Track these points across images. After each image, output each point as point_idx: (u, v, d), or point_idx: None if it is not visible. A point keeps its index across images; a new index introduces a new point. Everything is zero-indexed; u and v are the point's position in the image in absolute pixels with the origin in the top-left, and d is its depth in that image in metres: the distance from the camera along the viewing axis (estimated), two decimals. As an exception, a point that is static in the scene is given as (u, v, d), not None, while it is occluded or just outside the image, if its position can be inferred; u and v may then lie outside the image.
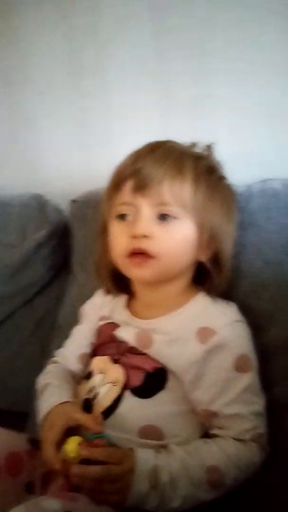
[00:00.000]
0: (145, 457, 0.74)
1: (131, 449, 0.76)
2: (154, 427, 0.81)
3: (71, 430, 0.81)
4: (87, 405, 0.86)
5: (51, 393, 0.89)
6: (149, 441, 0.80)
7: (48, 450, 0.78)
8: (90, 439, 0.78)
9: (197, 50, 1.16)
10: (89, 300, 1.03)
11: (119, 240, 0.87)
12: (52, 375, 0.96)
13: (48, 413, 0.85)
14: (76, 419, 0.81)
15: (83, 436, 0.79)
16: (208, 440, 0.80)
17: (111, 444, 0.78)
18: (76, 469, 0.73)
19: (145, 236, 0.83)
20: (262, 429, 0.80)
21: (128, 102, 1.28)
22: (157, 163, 0.84)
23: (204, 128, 1.16)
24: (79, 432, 0.80)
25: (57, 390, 0.90)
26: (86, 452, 0.75)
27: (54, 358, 1.01)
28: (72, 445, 0.77)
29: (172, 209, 0.84)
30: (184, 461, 0.75)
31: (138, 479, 0.72)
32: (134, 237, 0.83)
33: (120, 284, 0.95)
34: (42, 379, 0.95)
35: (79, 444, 0.76)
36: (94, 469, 0.72)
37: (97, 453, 0.75)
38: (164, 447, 0.79)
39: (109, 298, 0.99)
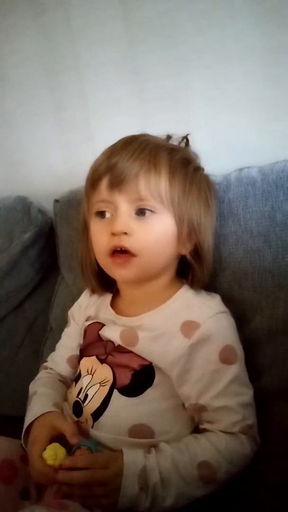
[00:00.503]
0: (133, 459, 0.74)
1: (119, 452, 0.75)
2: (144, 425, 0.81)
3: (56, 440, 0.79)
4: (78, 408, 0.86)
5: (35, 404, 0.89)
6: (140, 440, 0.80)
7: (36, 464, 0.77)
8: (72, 450, 0.77)
9: (170, 40, 1.14)
10: (76, 302, 1.03)
11: (100, 238, 0.86)
12: (41, 382, 0.96)
13: (31, 425, 0.84)
14: (57, 428, 0.80)
15: (68, 446, 0.78)
16: (198, 435, 0.80)
17: (92, 452, 0.77)
18: (61, 476, 0.73)
19: (124, 233, 0.82)
20: (251, 420, 0.79)
21: (104, 97, 1.26)
22: (132, 157, 0.83)
23: (182, 118, 1.14)
24: (65, 441, 0.79)
25: (42, 400, 0.89)
26: (68, 463, 0.74)
27: (45, 364, 1.01)
28: (50, 452, 0.76)
29: (150, 204, 0.82)
30: (175, 459, 0.75)
31: (127, 481, 0.72)
32: (114, 234, 0.82)
33: (104, 282, 0.95)
34: (32, 387, 0.95)
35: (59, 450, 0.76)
36: (78, 474, 0.72)
37: (79, 461, 0.74)
38: (155, 445, 0.78)
39: (94, 298, 0.98)
